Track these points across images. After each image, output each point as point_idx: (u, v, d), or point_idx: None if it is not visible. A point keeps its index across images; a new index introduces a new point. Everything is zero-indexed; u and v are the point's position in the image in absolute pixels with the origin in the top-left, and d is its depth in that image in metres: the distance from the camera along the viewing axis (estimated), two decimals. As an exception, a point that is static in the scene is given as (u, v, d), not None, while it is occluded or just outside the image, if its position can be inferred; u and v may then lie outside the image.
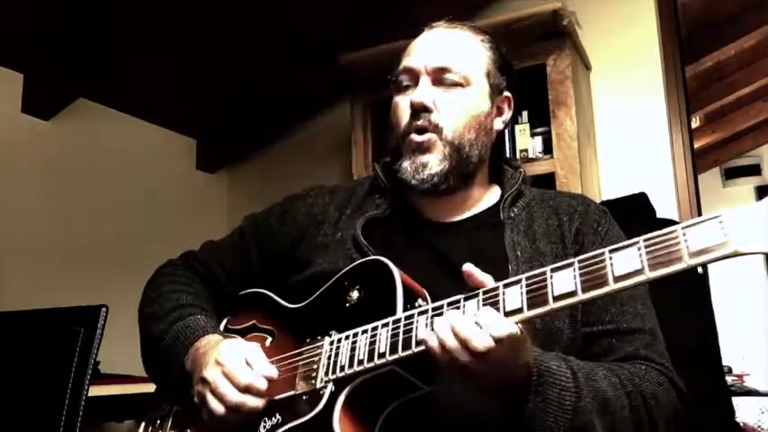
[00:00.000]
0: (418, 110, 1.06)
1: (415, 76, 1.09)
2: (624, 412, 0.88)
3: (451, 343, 0.76)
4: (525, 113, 2.23)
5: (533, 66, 2.12)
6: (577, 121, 2.08)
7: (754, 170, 5.76)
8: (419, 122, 1.06)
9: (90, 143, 2.79)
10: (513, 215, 1.09)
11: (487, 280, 0.81)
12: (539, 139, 2.20)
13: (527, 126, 2.21)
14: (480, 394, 0.84)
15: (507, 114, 1.17)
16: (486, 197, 1.16)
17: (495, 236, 1.06)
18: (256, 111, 3.05)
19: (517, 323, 0.76)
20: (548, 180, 2.04)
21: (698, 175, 2.35)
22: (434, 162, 1.06)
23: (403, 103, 1.10)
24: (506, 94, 1.16)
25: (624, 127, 2.37)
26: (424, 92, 1.07)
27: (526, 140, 2.19)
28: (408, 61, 1.10)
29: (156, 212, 3.01)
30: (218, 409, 0.90)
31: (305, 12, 2.53)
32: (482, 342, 0.75)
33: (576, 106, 2.09)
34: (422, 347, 0.81)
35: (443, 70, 1.07)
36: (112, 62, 2.54)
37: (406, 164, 1.07)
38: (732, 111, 5.12)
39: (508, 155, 1.65)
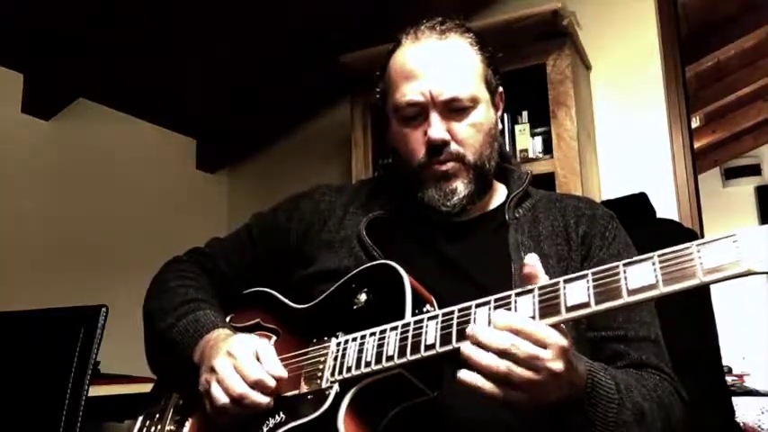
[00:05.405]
0: (438, 146, 1.05)
1: (422, 110, 1.05)
2: (657, 423, 0.89)
3: (490, 360, 0.74)
4: (525, 113, 2.23)
5: (533, 66, 2.13)
6: (577, 121, 2.08)
7: (754, 170, 5.77)
8: (441, 157, 1.05)
9: (90, 143, 2.78)
10: (517, 216, 1.09)
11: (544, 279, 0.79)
12: (539, 139, 2.20)
13: (527, 126, 2.21)
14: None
15: (501, 108, 1.17)
16: (493, 197, 1.16)
17: (500, 236, 1.07)
18: (256, 111, 3.05)
19: (554, 325, 0.75)
20: (548, 180, 2.03)
21: (698, 175, 2.35)
22: (461, 187, 1.07)
23: (414, 137, 1.07)
24: (500, 90, 1.15)
25: (624, 127, 2.37)
26: (439, 128, 1.04)
27: (526, 140, 2.20)
28: (411, 93, 1.05)
29: (156, 212, 3.01)
30: (222, 398, 0.90)
31: (305, 12, 2.53)
32: (524, 348, 0.73)
33: (576, 106, 2.09)
34: (431, 351, 0.80)
35: (452, 101, 1.04)
36: (112, 62, 2.54)
37: (433, 192, 1.07)
38: (732, 111, 5.12)
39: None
